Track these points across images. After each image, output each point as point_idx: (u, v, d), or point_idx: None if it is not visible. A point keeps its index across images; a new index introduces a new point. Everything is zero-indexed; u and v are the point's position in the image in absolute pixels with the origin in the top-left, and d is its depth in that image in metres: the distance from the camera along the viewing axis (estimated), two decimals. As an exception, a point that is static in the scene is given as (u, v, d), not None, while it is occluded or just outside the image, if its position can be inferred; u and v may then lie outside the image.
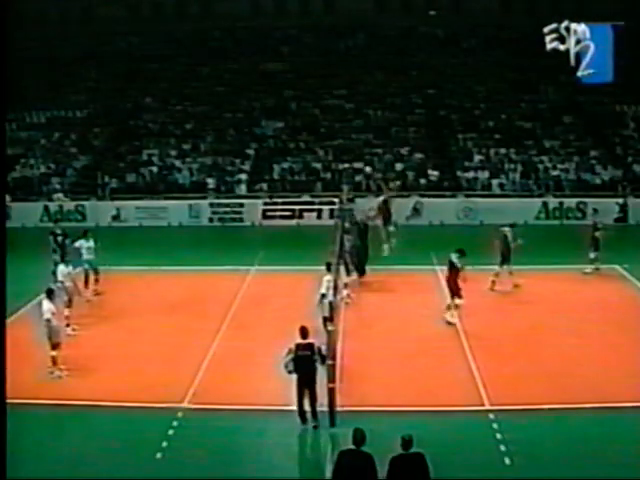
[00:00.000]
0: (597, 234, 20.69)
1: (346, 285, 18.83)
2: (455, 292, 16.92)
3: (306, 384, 12.09)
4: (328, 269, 15.99)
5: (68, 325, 16.46)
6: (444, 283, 17.30)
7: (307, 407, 12.20)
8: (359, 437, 8.78)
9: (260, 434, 12.06)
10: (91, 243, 19.42)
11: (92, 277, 19.42)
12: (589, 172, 31.13)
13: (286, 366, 12.19)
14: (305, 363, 12.02)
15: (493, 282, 19.28)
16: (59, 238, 20.22)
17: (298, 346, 12.13)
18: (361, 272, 20.11)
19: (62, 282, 16.64)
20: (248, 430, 12.18)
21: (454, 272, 16.95)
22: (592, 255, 20.67)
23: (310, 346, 12.14)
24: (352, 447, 8.80)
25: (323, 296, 15.00)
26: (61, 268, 17.01)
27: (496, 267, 19.43)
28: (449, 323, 16.81)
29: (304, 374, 12.04)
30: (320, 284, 15.56)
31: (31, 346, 14.80)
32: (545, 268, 21.25)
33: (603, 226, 21.18)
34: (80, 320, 17.03)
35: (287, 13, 40.13)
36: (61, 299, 16.15)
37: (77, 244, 19.35)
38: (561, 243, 23.20)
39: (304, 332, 12.31)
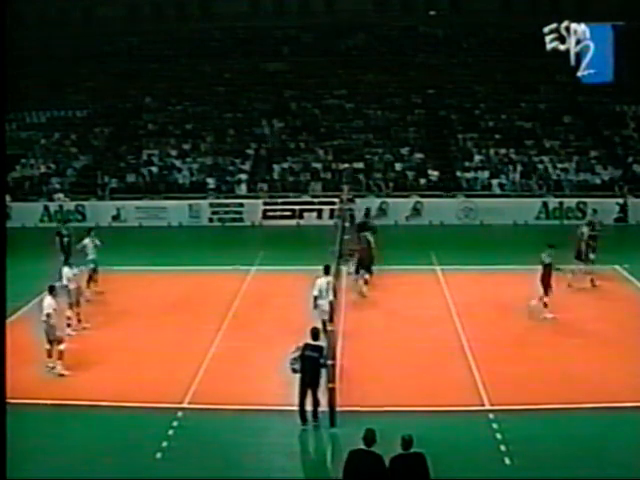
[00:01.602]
0: (593, 233, 20.67)
1: (366, 282, 19.12)
2: (546, 289, 16.96)
3: (310, 385, 12.09)
4: (326, 272, 15.68)
5: (69, 325, 16.40)
6: (538, 281, 17.11)
7: (308, 407, 12.20)
8: (370, 437, 8.76)
9: (260, 434, 12.05)
10: (97, 242, 19.37)
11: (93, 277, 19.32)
12: (589, 172, 31.15)
13: (291, 364, 12.19)
14: (311, 364, 12.01)
15: (571, 279, 19.35)
16: (65, 239, 20.12)
17: (307, 346, 12.13)
18: (369, 272, 19.92)
19: (66, 285, 16.50)
20: (248, 430, 12.17)
21: (547, 269, 16.98)
22: (592, 256, 20.63)
23: (319, 348, 12.15)
24: (363, 447, 8.80)
25: (316, 298, 14.95)
26: (65, 270, 16.84)
27: (572, 265, 19.47)
28: (545, 318, 16.90)
29: (309, 375, 12.03)
30: (313, 286, 15.32)
31: (31, 346, 14.80)
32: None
33: (601, 227, 21.19)
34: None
35: (287, 13, 40.14)
36: (64, 301, 16.11)
37: (84, 242, 19.27)
38: (561, 243, 23.15)
39: (315, 334, 12.33)
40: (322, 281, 15.24)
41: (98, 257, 19.37)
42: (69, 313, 16.51)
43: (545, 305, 17.02)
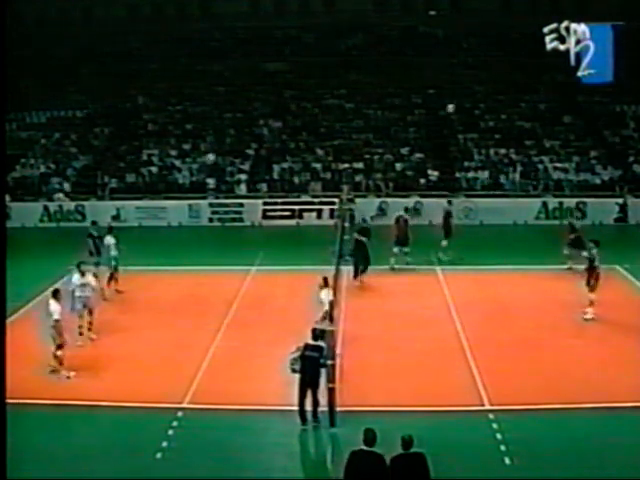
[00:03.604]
0: (572, 235, 20.83)
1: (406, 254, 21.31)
2: (593, 288, 16.91)
3: (309, 385, 12.09)
4: (326, 284, 15.14)
5: (81, 334, 15.91)
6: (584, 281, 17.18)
7: (308, 407, 12.20)
8: (371, 437, 8.75)
9: (260, 434, 12.06)
10: (115, 239, 19.52)
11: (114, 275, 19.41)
12: (589, 172, 31.15)
13: (292, 364, 12.18)
14: (311, 364, 12.01)
15: None
16: (97, 241, 20.04)
17: (307, 346, 12.13)
18: (355, 273, 20.04)
19: (73, 290, 15.90)
20: (248, 430, 12.18)
21: (593, 268, 16.92)
22: (566, 251, 20.87)
23: (319, 349, 12.14)
24: (364, 447, 8.79)
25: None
26: (75, 277, 16.11)
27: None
28: (586, 320, 16.88)
29: (309, 375, 12.03)
30: (321, 302, 14.88)
31: (31, 346, 14.82)
32: (545, 268, 21.28)
33: (579, 227, 21.51)
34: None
35: (287, 13, 40.15)
36: (75, 309, 15.79)
37: (107, 241, 19.41)
38: (561, 243, 23.19)
39: (315, 334, 12.31)
40: (326, 292, 14.75)
41: (119, 255, 19.49)
42: (79, 322, 15.97)
43: (591, 303, 16.94)
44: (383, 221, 25.90)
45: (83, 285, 16.01)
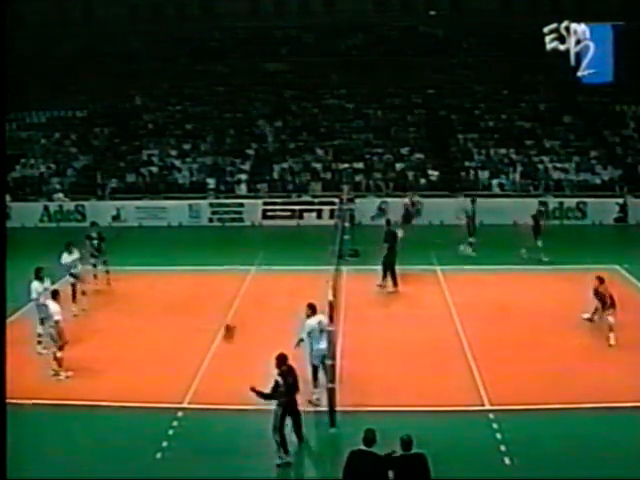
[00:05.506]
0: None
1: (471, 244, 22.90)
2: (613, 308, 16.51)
3: (290, 411, 11.44)
4: (314, 311, 13.16)
5: (39, 343, 15.10)
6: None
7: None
8: (370, 437, 8.75)
9: (260, 434, 12.03)
10: (75, 256, 18.21)
11: (80, 288, 18.32)
12: (589, 172, 31.15)
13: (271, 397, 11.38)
14: (290, 389, 11.34)
15: None
16: (95, 242, 19.81)
17: (285, 373, 11.27)
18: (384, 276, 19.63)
19: (36, 299, 15.29)
20: (248, 430, 12.18)
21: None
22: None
23: (292, 371, 11.42)
24: (362, 447, 8.78)
25: (301, 340, 13.14)
26: (35, 285, 15.39)
27: None
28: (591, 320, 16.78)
29: (288, 401, 11.33)
30: (302, 327, 13.27)
31: (31, 346, 14.81)
32: (545, 268, 21.27)
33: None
34: (79, 320, 17.06)
35: (287, 13, 40.14)
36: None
37: (62, 260, 18.09)
38: (561, 243, 23.20)
39: (282, 360, 11.41)
40: (313, 322, 13.01)
41: (81, 268, 18.55)
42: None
43: (597, 310, 16.68)
44: (383, 221, 25.83)
45: (45, 290, 15.39)
